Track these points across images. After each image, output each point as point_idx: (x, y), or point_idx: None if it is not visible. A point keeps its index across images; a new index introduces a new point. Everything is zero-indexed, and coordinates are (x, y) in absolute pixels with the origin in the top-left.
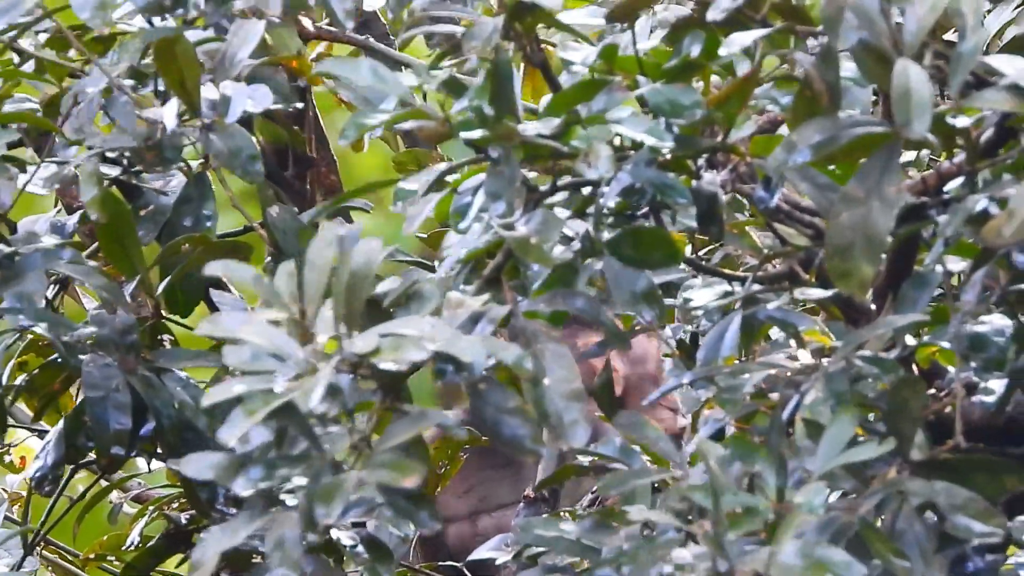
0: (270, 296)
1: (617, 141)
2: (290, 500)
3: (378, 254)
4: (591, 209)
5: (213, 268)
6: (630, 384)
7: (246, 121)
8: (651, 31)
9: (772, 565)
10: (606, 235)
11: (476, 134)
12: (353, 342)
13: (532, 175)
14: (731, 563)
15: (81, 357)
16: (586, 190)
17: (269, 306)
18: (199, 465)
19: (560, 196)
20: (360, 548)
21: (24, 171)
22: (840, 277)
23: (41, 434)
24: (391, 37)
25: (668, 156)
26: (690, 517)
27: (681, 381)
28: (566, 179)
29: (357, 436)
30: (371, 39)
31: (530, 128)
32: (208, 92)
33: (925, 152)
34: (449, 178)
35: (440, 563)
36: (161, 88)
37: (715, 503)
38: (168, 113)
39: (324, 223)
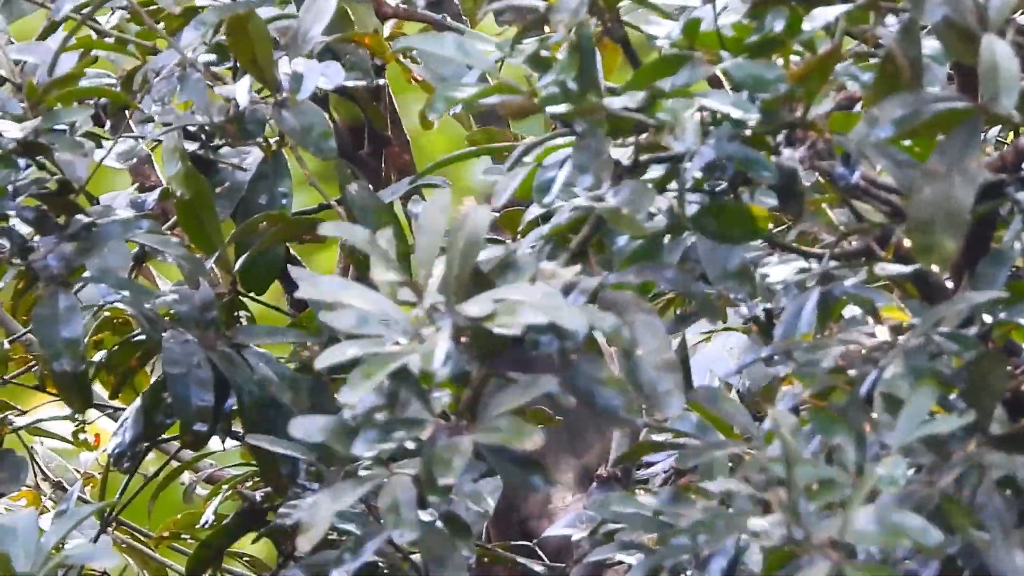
0: (384, 259)
1: (700, 116)
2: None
3: (487, 222)
4: (674, 184)
5: (327, 229)
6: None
7: (322, 99)
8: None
9: (847, 531)
10: (690, 210)
11: (562, 108)
12: (466, 306)
13: (617, 149)
14: (807, 530)
15: (161, 333)
16: (668, 165)
17: (379, 269)
18: (308, 428)
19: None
20: (439, 524)
21: (100, 147)
22: (922, 252)
23: (115, 413)
24: (463, 17)
25: (749, 132)
26: (767, 490)
27: (760, 356)
28: (649, 154)
29: (462, 402)
30: (446, 17)
31: (615, 102)
32: (281, 69)
33: (993, 132)
34: (530, 157)
35: (513, 542)
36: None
37: (790, 470)
38: (240, 90)
39: (437, 191)
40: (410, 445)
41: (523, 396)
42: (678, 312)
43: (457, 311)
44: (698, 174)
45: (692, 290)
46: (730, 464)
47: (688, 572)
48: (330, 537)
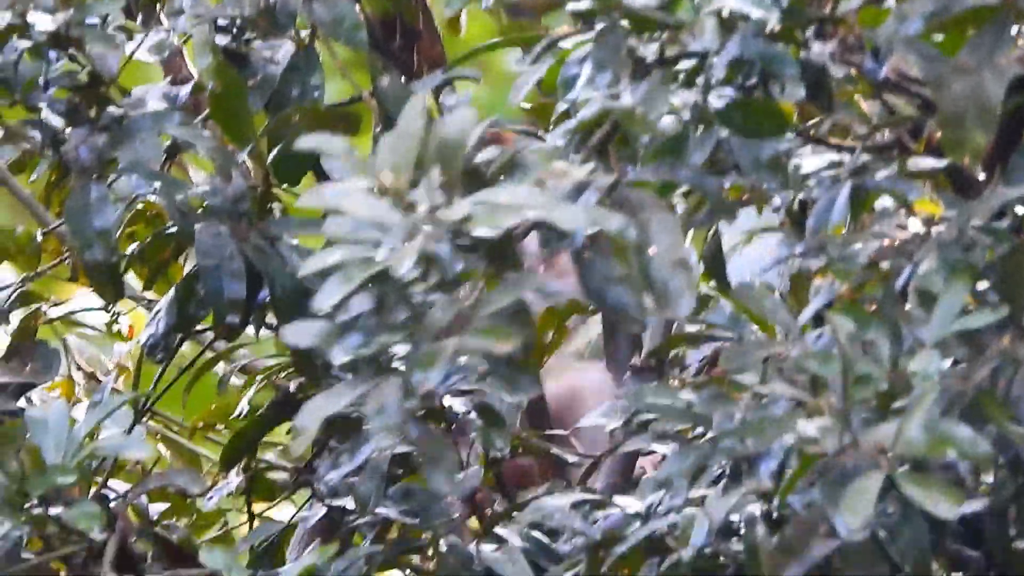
0: (362, 167)
1: (725, 13)
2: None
3: (472, 124)
4: (700, 80)
5: (306, 142)
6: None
7: None
8: None
9: (899, 441)
10: (715, 105)
11: (583, 4)
12: (447, 209)
13: (639, 46)
14: (856, 437)
15: (194, 225)
16: (695, 61)
17: (361, 176)
18: (301, 332)
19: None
20: (473, 415)
21: (131, 39)
22: (953, 147)
23: (149, 304)
24: None
25: (777, 27)
26: (804, 388)
27: (794, 251)
28: (673, 51)
29: (460, 305)
30: None
31: (636, 0)
32: None
33: None
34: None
35: (547, 432)
36: None
37: (844, 375)
38: None
39: (417, 92)
40: (402, 350)
41: (510, 294)
42: (707, 209)
43: (438, 215)
44: (722, 72)
45: (707, 187)
46: (763, 359)
47: (721, 465)
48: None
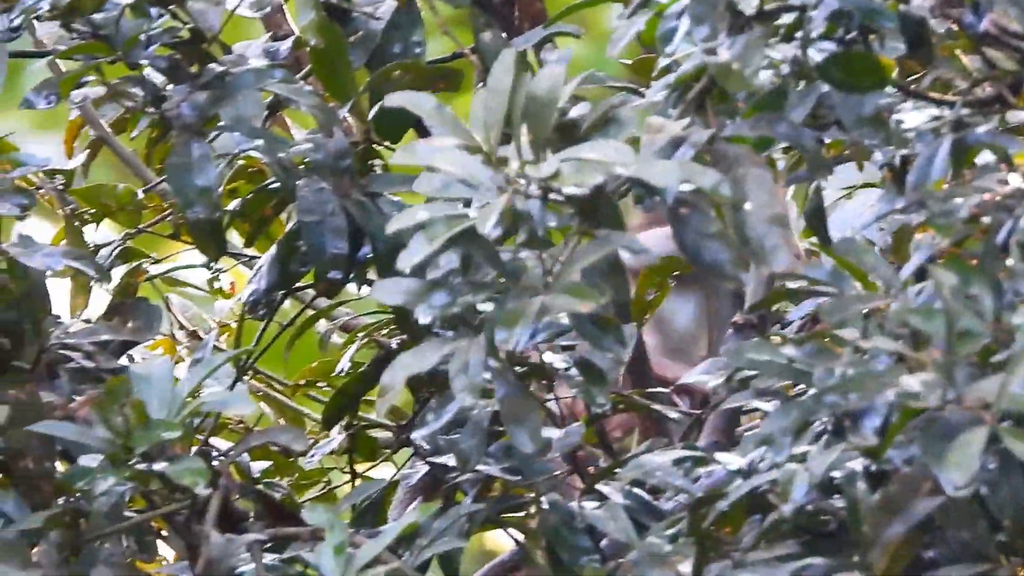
0: (451, 125)
1: None
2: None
3: (562, 80)
4: (799, 33)
5: (394, 100)
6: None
7: None
8: None
9: (1002, 396)
10: (816, 59)
11: None
12: (536, 167)
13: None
14: (959, 391)
15: (296, 182)
16: (794, 15)
17: (450, 134)
18: (390, 290)
19: None
20: (573, 371)
21: None
22: None
23: (250, 261)
24: None
25: None
26: (907, 343)
27: (894, 206)
28: (773, 4)
29: (551, 262)
30: None
31: None
32: None
33: None
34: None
35: (649, 389)
36: None
37: (949, 330)
38: None
39: (506, 49)
40: (488, 307)
41: (596, 252)
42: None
43: (527, 172)
44: (822, 26)
45: (804, 143)
46: (863, 313)
47: (822, 422)
48: None
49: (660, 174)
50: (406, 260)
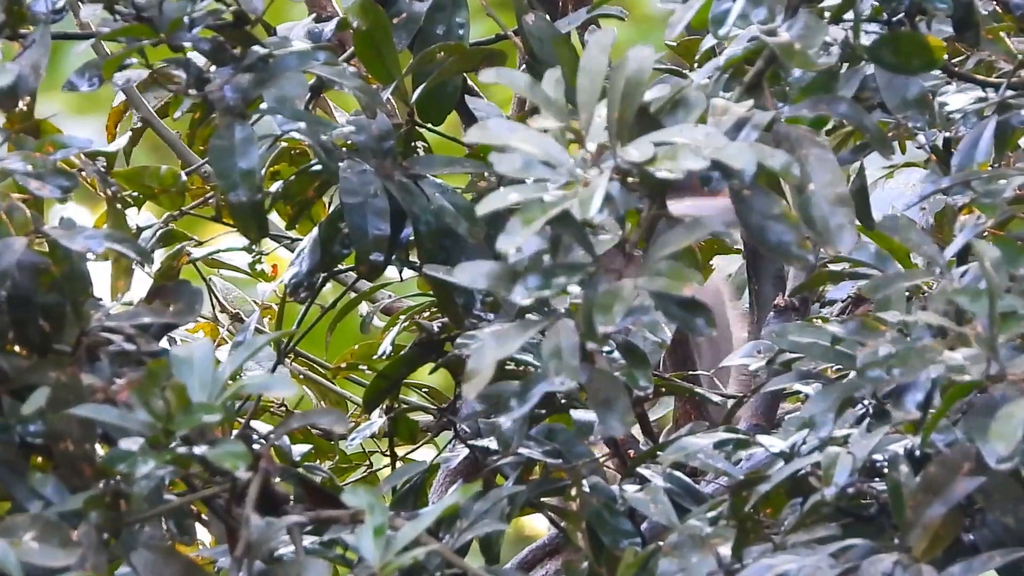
0: (544, 102)
1: None
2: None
3: (650, 61)
4: (849, 15)
5: (486, 76)
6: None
7: None
8: None
9: None
10: (865, 41)
11: None
12: (627, 150)
13: None
14: (1002, 366)
15: (338, 164)
16: None
17: (540, 112)
18: (474, 273)
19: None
20: (616, 354)
21: None
22: None
23: (292, 243)
24: None
25: None
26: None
27: (939, 187)
28: None
29: (628, 244)
30: None
31: None
32: None
33: None
34: None
35: (690, 372)
36: None
37: (991, 305)
38: None
39: (598, 31)
40: (575, 290)
41: (688, 236)
42: (855, 144)
43: (618, 154)
44: (875, 3)
45: (865, 123)
46: (906, 294)
47: (864, 405)
48: (508, 368)
49: (737, 156)
50: (506, 243)
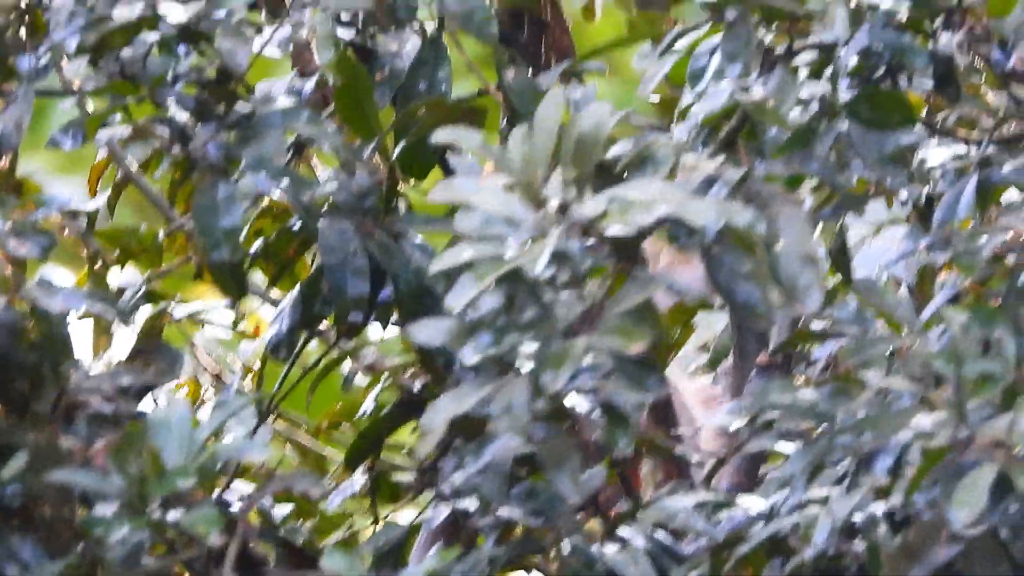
0: (499, 161)
1: (854, 3)
2: (523, 367)
3: (608, 117)
4: (828, 71)
5: (442, 136)
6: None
7: None
8: None
9: (1014, 432)
10: (844, 97)
11: None
12: (582, 206)
13: (769, 37)
14: (971, 430)
15: (319, 222)
16: (822, 52)
17: (499, 171)
18: (431, 331)
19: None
20: (597, 413)
21: (260, 33)
22: None
23: (274, 302)
24: None
25: (904, 18)
26: (927, 384)
27: (920, 245)
28: (802, 41)
29: (589, 302)
30: None
31: None
32: None
33: None
34: (683, 43)
35: (672, 431)
36: None
37: (956, 369)
38: None
39: (553, 86)
40: (530, 348)
41: (641, 292)
42: (836, 202)
43: (572, 211)
44: (853, 61)
45: (837, 181)
46: (888, 354)
47: (840, 466)
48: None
49: (700, 213)
50: (455, 299)
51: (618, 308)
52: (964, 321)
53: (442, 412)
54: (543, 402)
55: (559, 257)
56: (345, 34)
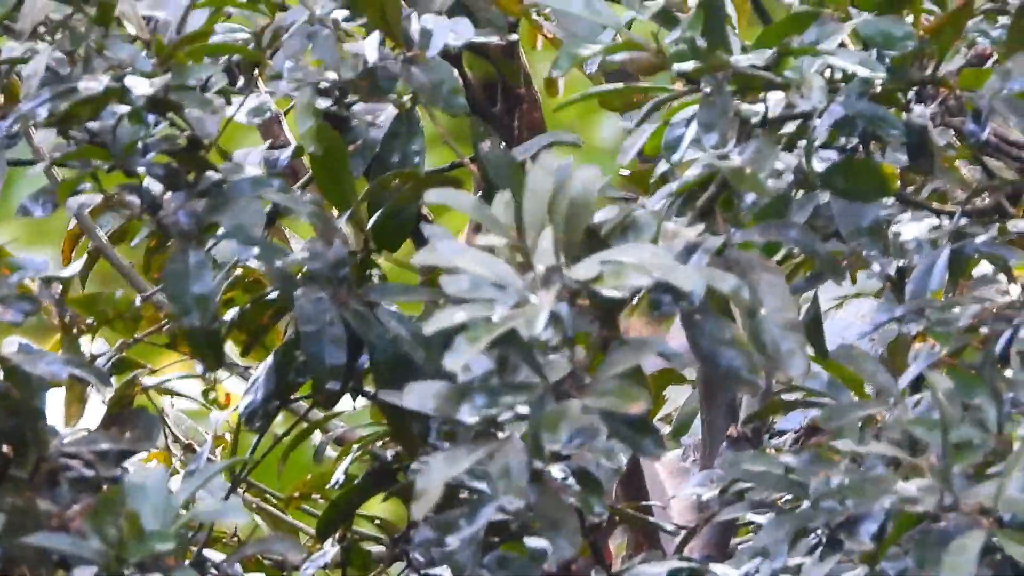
0: (490, 223)
1: (828, 73)
2: (507, 431)
3: (596, 182)
4: (803, 141)
5: (432, 196)
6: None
7: (455, 57)
8: None
9: (1000, 499)
10: (818, 167)
11: (689, 65)
12: (574, 269)
13: (744, 107)
14: (956, 496)
15: (293, 292)
16: (798, 122)
17: (488, 233)
18: (422, 395)
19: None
20: (571, 480)
21: (230, 103)
22: None
23: (246, 372)
24: None
25: (879, 89)
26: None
27: (892, 315)
28: (778, 111)
29: (576, 365)
30: None
31: (742, 60)
32: (411, 26)
33: None
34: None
35: (643, 502)
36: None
37: (943, 435)
38: (369, 47)
39: (542, 153)
40: (523, 410)
41: (635, 356)
42: (809, 273)
43: (565, 275)
44: (827, 131)
45: (816, 249)
46: (859, 424)
47: (817, 535)
48: (462, 496)
49: (686, 278)
50: (452, 361)
51: (611, 371)
52: (948, 387)
53: (438, 475)
54: (541, 463)
55: (552, 319)
56: (320, 103)
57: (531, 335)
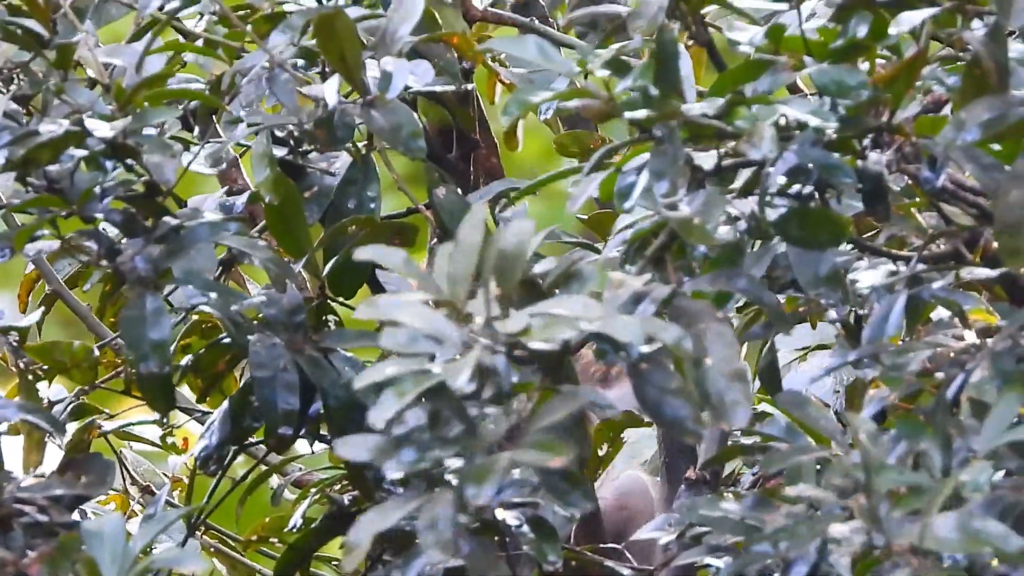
0: (420, 279)
1: (783, 121)
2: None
3: (530, 235)
4: (757, 189)
5: (364, 253)
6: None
7: (410, 103)
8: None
9: (926, 537)
10: (772, 215)
11: (640, 113)
12: (505, 322)
13: (696, 155)
14: (887, 537)
15: (248, 337)
16: (751, 170)
17: (423, 289)
18: (356, 447)
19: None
20: (525, 528)
21: (188, 150)
22: (1010, 255)
23: (202, 416)
24: (550, 19)
25: (834, 136)
26: (852, 495)
27: (847, 360)
28: (731, 160)
29: (515, 417)
30: (534, 20)
31: (694, 108)
32: (370, 69)
33: None
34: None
35: (601, 545)
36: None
37: (868, 477)
38: (329, 90)
39: (476, 204)
40: (456, 463)
41: (564, 408)
42: (764, 321)
43: (495, 328)
44: (781, 180)
45: (764, 298)
46: (818, 468)
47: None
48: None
49: (625, 329)
50: (376, 416)
51: (543, 423)
52: (872, 429)
53: (368, 527)
54: (469, 516)
55: (484, 372)
56: (277, 151)
57: (456, 387)
